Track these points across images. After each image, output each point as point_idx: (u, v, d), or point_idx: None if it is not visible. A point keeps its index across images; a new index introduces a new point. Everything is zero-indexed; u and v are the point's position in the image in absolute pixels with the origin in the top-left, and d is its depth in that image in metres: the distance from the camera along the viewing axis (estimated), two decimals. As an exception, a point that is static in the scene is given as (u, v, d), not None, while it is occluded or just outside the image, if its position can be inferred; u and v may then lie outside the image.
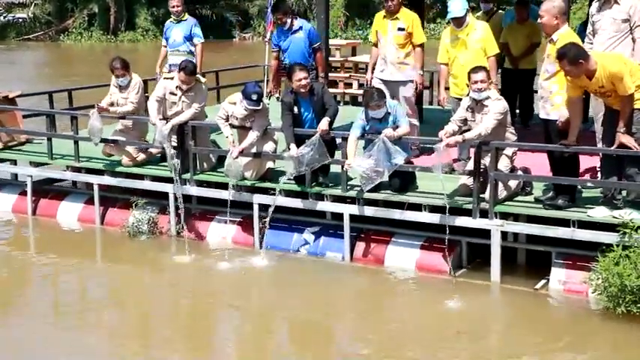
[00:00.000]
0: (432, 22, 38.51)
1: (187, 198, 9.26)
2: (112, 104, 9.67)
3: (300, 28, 9.99)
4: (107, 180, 9.77)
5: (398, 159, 7.85)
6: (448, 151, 7.80)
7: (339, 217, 8.53)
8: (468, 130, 7.88)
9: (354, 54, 16.34)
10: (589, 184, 7.84)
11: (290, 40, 9.97)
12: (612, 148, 7.18)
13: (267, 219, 8.63)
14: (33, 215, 10.21)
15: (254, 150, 8.73)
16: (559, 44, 7.17)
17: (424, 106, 12.69)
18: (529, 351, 6.53)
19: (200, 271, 8.50)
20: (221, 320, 7.57)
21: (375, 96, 8.09)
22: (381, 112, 8.10)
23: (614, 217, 7.25)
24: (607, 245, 7.14)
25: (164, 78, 9.44)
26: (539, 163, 8.17)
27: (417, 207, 8.14)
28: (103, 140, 9.58)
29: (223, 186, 9.03)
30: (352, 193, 8.39)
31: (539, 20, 7.73)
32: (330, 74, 12.34)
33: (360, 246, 8.47)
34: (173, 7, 11.19)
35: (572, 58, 6.86)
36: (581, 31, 9.67)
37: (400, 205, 8.21)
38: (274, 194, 8.60)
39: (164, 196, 9.35)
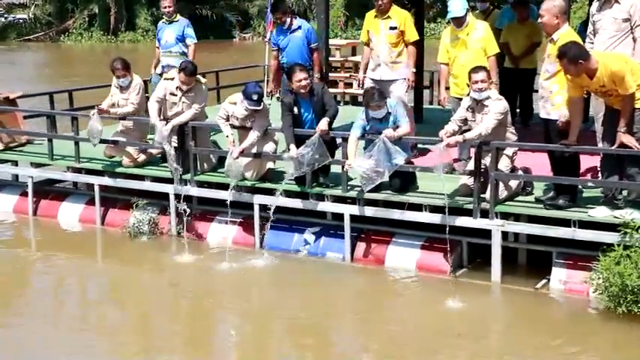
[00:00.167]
0: (432, 22, 38.52)
1: (188, 198, 9.26)
2: (112, 105, 9.68)
3: (299, 27, 9.99)
4: (108, 181, 9.78)
5: (398, 159, 7.85)
6: (448, 150, 7.79)
7: (339, 217, 8.53)
8: (469, 130, 7.88)
9: (354, 54, 16.35)
10: (590, 184, 7.83)
11: (289, 39, 9.98)
12: (613, 148, 7.18)
13: (270, 219, 8.63)
14: (34, 216, 10.21)
15: (254, 150, 8.73)
16: (559, 44, 7.16)
17: (424, 106, 12.71)
18: (529, 351, 6.52)
19: (200, 271, 8.50)
20: (221, 320, 7.56)
21: (376, 96, 8.09)
22: (382, 112, 8.10)
23: (614, 216, 7.24)
24: (608, 245, 7.14)
25: (164, 79, 9.43)
26: (539, 163, 8.16)
27: (417, 207, 8.14)
28: (103, 141, 9.58)
29: (224, 186, 9.03)
30: (353, 194, 8.39)
31: (539, 20, 7.72)
32: (330, 74, 12.33)
33: (361, 246, 8.47)
34: (165, 7, 11.17)
35: (572, 58, 6.86)
36: (582, 30, 9.69)
37: (401, 206, 8.21)
38: (275, 195, 8.60)
39: (165, 196, 9.35)
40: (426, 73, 13.14)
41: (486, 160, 7.78)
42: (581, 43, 7.25)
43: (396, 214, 8.21)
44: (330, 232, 8.68)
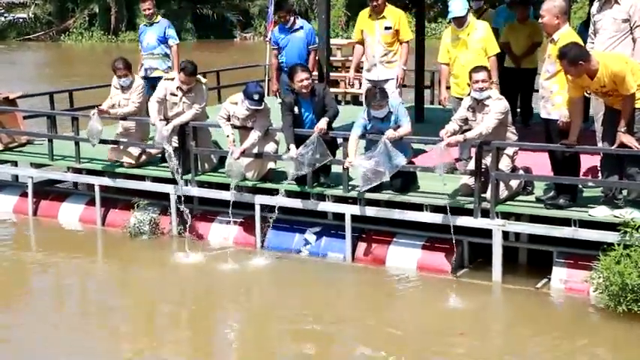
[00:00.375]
0: (432, 22, 38.49)
1: (189, 198, 9.26)
2: (113, 106, 9.67)
3: (301, 27, 10.01)
4: (108, 181, 9.78)
5: (399, 160, 7.85)
6: (449, 150, 7.80)
7: (340, 217, 8.53)
8: (469, 129, 7.88)
9: (354, 53, 16.31)
10: (590, 184, 7.84)
11: (289, 38, 9.98)
12: (613, 148, 7.18)
13: (272, 219, 8.63)
14: (34, 216, 10.21)
15: (255, 150, 8.73)
16: (560, 44, 7.17)
17: (425, 106, 12.71)
18: (530, 350, 6.53)
19: (201, 271, 8.50)
20: (222, 320, 7.56)
21: (378, 96, 8.08)
22: (383, 111, 8.11)
23: (615, 216, 7.25)
24: (608, 244, 7.15)
25: (165, 79, 9.43)
26: (540, 163, 8.16)
27: (418, 207, 8.14)
28: (103, 142, 9.57)
29: (225, 187, 9.02)
30: (354, 194, 8.39)
31: (540, 20, 7.72)
32: (331, 74, 12.33)
33: (362, 246, 8.47)
34: (144, 10, 11.15)
35: (573, 59, 6.87)
36: (582, 30, 9.69)
37: (402, 205, 8.21)
38: (276, 195, 8.60)
39: (165, 196, 9.35)
40: (426, 72, 13.14)
41: (487, 160, 7.78)
42: (582, 43, 7.26)
43: (397, 214, 8.21)
44: (331, 232, 8.68)
